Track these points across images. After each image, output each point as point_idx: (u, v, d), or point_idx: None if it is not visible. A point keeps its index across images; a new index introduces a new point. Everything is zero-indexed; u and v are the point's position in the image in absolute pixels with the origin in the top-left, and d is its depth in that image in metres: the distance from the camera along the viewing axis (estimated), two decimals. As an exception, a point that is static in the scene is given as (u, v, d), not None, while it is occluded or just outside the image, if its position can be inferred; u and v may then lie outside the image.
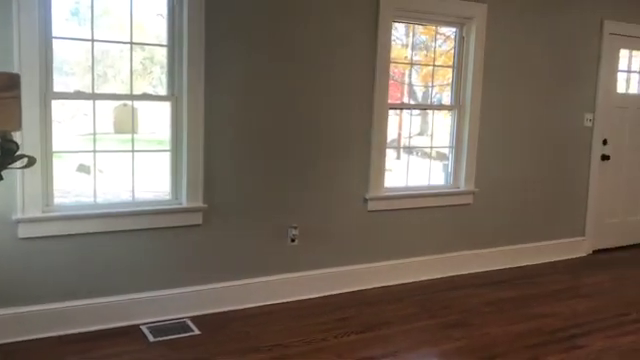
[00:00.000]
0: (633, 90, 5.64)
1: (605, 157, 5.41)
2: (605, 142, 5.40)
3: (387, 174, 4.32)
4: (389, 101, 4.26)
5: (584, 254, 5.39)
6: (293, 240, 3.94)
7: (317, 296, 4.02)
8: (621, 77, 5.51)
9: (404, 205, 4.40)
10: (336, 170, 4.08)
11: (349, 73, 4.02)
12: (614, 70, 5.39)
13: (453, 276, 4.60)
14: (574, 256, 5.32)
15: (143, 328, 3.36)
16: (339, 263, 4.16)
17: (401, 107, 4.51)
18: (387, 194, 4.32)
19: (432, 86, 4.69)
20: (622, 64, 5.48)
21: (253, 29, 3.63)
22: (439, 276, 4.56)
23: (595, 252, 5.46)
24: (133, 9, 3.32)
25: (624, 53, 5.46)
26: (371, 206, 4.25)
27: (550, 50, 4.92)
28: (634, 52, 5.54)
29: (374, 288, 4.24)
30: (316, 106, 3.94)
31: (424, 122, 4.94)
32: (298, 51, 3.82)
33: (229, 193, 3.70)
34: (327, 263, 4.11)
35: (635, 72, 5.62)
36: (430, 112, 4.74)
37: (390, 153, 4.53)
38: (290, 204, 3.92)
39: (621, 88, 5.52)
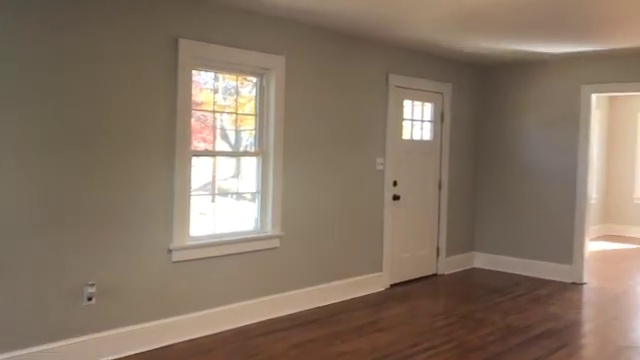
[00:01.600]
0: (417, 136, 6.27)
1: (396, 197, 5.90)
2: (395, 183, 5.90)
3: (201, 219, 4.26)
4: (193, 147, 4.23)
5: (383, 288, 5.77)
6: (90, 299, 3.66)
7: (117, 357, 3.76)
8: (406, 125, 6.10)
9: (211, 253, 4.35)
10: (137, 221, 3.90)
11: (151, 121, 3.92)
12: (400, 118, 5.96)
13: (264, 321, 4.62)
14: (374, 291, 5.67)
15: None
16: (143, 319, 3.95)
17: (205, 154, 4.49)
18: (193, 243, 4.23)
19: (241, 130, 4.76)
20: (406, 113, 6.07)
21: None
22: (250, 322, 4.55)
23: (392, 286, 5.89)
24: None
25: (407, 103, 6.07)
26: (176, 257, 4.12)
27: (344, 100, 5.29)
28: (415, 102, 6.18)
29: (182, 342, 4.09)
30: (116, 155, 3.75)
31: (238, 165, 4.96)
32: (90, 97, 3.63)
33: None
34: (129, 320, 3.88)
35: (417, 120, 6.26)
36: (248, 157, 4.80)
37: (204, 198, 4.48)
38: (86, 260, 3.65)
39: (406, 135, 6.10)
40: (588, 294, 5.87)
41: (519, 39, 5.26)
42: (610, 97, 9.81)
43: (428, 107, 6.35)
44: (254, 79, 4.70)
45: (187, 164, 4.14)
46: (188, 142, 4.14)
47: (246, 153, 4.80)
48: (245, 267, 4.58)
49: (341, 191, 5.32)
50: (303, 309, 4.96)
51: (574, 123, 6.26)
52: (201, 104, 4.48)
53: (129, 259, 3.87)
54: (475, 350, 4.10)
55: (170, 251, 4.08)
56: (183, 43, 4.04)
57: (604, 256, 8.00)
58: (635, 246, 8.84)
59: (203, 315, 4.29)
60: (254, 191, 4.74)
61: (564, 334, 4.54)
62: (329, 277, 5.25)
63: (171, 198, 4.07)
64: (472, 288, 6.01)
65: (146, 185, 3.94)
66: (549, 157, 6.45)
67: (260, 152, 4.71)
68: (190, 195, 4.20)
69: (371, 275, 5.67)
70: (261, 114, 4.70)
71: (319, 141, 5.09)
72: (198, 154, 4.39)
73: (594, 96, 6.19)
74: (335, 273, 5.30)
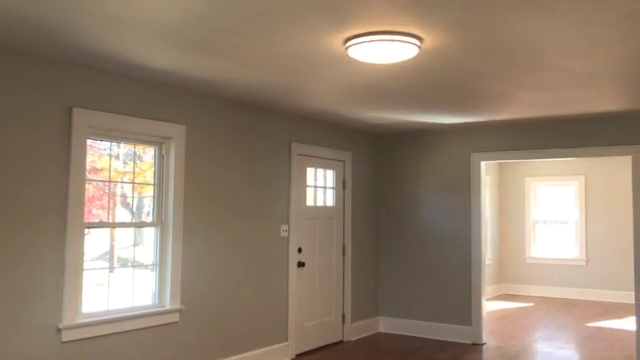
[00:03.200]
0: (320, 203, 6.36)
1: (301, 264, 5.89)
2: (300, 250, 5.90)
3: (98, 291, 4.04)
4: (90, 216, 4.05)
5: (289, 359, 5.65)
6: (-36, 389, 3.31)
7: None
8: (310, 191, 6.18)
9: (105, 331, 4.09)
10: (22, 299, 3.62)
11: (42, 192, 3.72)
12: (303, 186, 6.03)
13: (161, 401, 4.36)
14: (280, 362, 5.55)
15: None
16: (25, 408, 3.61)
17: (100, 225, 4.30)
18: (85, 321, 3.98)
19: (143, 198, 4.62)
20: (309, 180, 6.17)
21: None
22: (146, 404, 4.28)
23: (298, 355, 5.78)
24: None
25: (310, 170, 6.18)
26: (66, 336, 3.84)
27: (247, 168, 5.30)
28: (318, 169, 6.30)
29: None
30: (1, 228, 3.51)
31: (139, 233, 4.77)
32: (-26, 169, 3.40)
33: None
34: (10, 410, 3.53)
35: (320, 187, 6.37)
36: (147, 227, 4.62)
37: (101, 269, 4.25)
38: (-40, 345, 3.32)
39: (310, 201, 6.18)
40: (488, 355, 6.04)
41: (411, 111, 5.56)
42: (500, 163, 10.49)
43: (330, 174, 6.49)
44: (153, 148, 4.62)
45: (80, 236, 3.94)
46: (81, 213, 3.95)
47: (144, 224, 4.65)
48: (143, 344, 4.34)
49: (244, 260, 5.25)
50: (205, 386, 4.74)
51: (466, 188, 6.61)
52: (100, 170, 4.33)
53: (12, 340, 3.56)
54: (381, 419, 4.06)
55: (59, 330, 3.80)
56: (77, 112, 3.93)
57: (501, 315, 8.32)
58: (529, 304, 9.27)
59: (95, 399, 3.99)
60: (152, 263, 4.57)
61: (466, 396, 4.61)
62: (233, 350, 5.08)
63: (61, 272, 3.83)
64: (377, 355, 6.02)
65: (34, 259, 3.69)
66: (445, 221, 6.73)
67: (159, 222, 4.58)
68: (83, 269, 3.98)
69: (277, 346, 5.55)
70: (160, 183, 4.60)
71: (221, 210, 5.04)
72: (92, 226, 4.20)
73: (483, 163, 6.59)
74: (239, 346, 5.14)
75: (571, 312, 8.54)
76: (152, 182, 4.61)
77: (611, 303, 9.21)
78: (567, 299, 9.72)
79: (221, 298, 5.00)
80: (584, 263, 9.86)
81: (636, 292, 5.62)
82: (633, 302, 5.72)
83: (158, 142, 4.58)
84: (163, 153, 4.61)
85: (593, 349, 6.26)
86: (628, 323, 7.27)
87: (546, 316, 8.26)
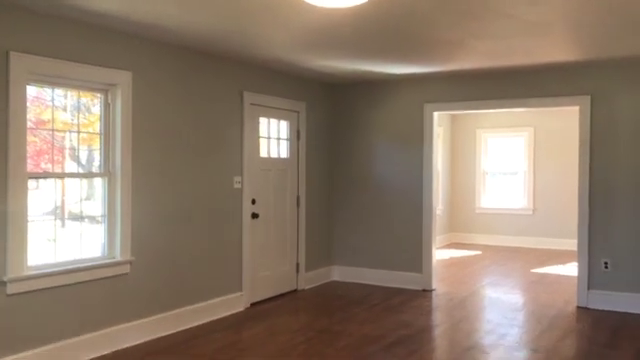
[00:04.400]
0: (274, 154, 6.31)
1: (255, 215, 5.88)
2: (254, 201, 5.87)
3: (49, 246, 3.95)
4: (32, 169, 3.90)
5: (243, 308, 5.69)
6: None
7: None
8: (263, 142, 6.11)
9: (54, 283, 4.02)
10: (-38, 252, 3.51)
11: (-25, 141, 3.56)
12: (256, 136, 5.96)
13: (115, 352, 4.35)
14: (234, 311, 5.57)
15: None
16: (-29, 362, 3.54)
17: (44, 176, 4.16)
18: (32, 273, 3.89)
19: (93, 150, 4.48)
20: (263, 131, 6.09)
21: None
22: (99, 354, 4.26)
23: (252, 305, 5.83)
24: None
25: (264, 121, 6.10)
26: (11, 289, 3.76)
27: (198, 118, 5.19)
28: (271, 120, 6.23)
29: (19, 383, 3.72)
30: None
31: (90, 187, 4.64)
32: None
33: None
34: (-46, 364, 3.46)
35: (274, 138, 6.31)
36: (95, 178, 4.50)
37: (52, 223, 4.14)
38: None
39: (264, 152, 6.12)
40: (437, 300, 6.23)
41: (365, 59, 5.51)
42: (452, 115, 10.60)
43: (284, 125, 6.43)
44: (99, 96, 4.45)
45: (22, 188, 3.80)
46: (23, 164, 3.81)
47: (91, 174, 4.53)
48: (92, 296, 4.28)
49: (197, 212, 5.19)
50: (158, 336, 4.74)
51: (419, 139, 6.66)
52: (47, 122, 4.16)
53: (-47, 295, 3.46)
54: (333, 363, 4.16)
55: (4, 283, 3.71)
56: (15, 56, 3.73)
57: (451, 263, 8.56)
58: (478, 252, 9.57)
59: (46, 350, 3.94)
60: (101, 215, 4.47)
61: (415, 340, 4.76)
62: (186, 301, 5.07)
63: (4, 224, 3.71)
64: (330, 301, 6.13)
65: (-27, 212, 3.55)
66: (398, 172, 6.80)
67: (106, 173, 4.46)
68: (27, 221, 3.86)
69: (231, 296, 5.57)
70: (106, 133, 4.46)
71: (172, 161, 4.94)
72: (35, 176, 4.06)
73: (436, 114, 6.63)
74: (192, 296, 5.14)
75: (517, 259, 8.86)
76: (99, 132, 4.46)
77: (555, 250, 9.59)
78: (514, 247, 10.06)
79: (173, 249, 4.95)
80: (531, 212, 10.19)
81: (578, 239, 5.85)
82: (575, 249, 5.96)
83: (103, 89, 4.42)
84: (109, 101, 4.45)
85: (537, 293, 6.53)
86: (570, 269, 7.59)
87: (494, 263, 8.55)
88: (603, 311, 5.63)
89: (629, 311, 5.56)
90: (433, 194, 6.65)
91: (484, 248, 10.00)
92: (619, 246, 5.67)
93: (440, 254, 9.06)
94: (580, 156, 5.85)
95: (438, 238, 9.86)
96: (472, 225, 10.68)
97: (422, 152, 6.64)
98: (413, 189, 6.70)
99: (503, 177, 10.64)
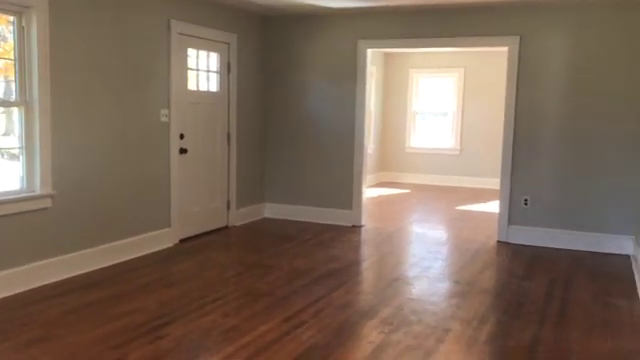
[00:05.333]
0: (203, 87, 6.12)
1: (183, 150, 5.73)
2: (182, 136, 5.72)
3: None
4: None
5: (172, 244, 5.63)
6: None
7: None
8: (192, 75, 5.90)
9: (-34, 217, 3.81)
10: None
11: None
12: (184, 68, 5.74)
13: (38, 288, 4.22)
14: (163, 247, 5.50)
15: None
16: None
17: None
18: (-59, 207, 3.66)
19: (11, 81, 4.19)
20: (191, 63, 5.87)
21: None
22: (21, 290, 4.12)
23: (181, 241, 5.77)
24: None
25: (192, 52, 5.86)
26: None
27: (122, 47, 4.92)
28: (201, 52, 6.00)
29: None
30: None
31: (9, 122, 4.36)
32: None
33: None
34: None
35: (203, 71, 6.10)
36: (16, 109, 4.20)
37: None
38: None
39: (192, 85, 5.92)
40: (366, 235, 6.37)
41: (300, -9, 5.35)
42: (385, 53, 10.59)
43: (214, 57, 6.21)
44: (12, 19, 4.12)
45: None
46: None
47: (6, 103, 4.24)
48: (11, 231, 4.09)
49: (122, 145, 5.00)
50: (83, 272, 4.63)
51: (352, 77, 6.62)
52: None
53: None
54: (263, 296, 4.20)
55: None
56: None
57: (381, 201, 8.75)
58: (407, 191, 9.81)
59: (-41, 288, 3.77)
60: (19, 146, 4.22)
61: (344, 272, 4.87)
62: (112, 236, 4.95)
63: None
64: (262, 237, 6.15)
65: None
66: (331, 110, 6.77)
67: (22, 102, 4.19)
68: None
69: (159, 231, 5.48)
70: (20, 58, 4.16)
71: (95, 90, 4.69)
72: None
73: (369, 51, 6.58)
74: (118, 232, 5.02)
75: (444, 197, 9.15)
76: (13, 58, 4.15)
77: (480, 189, 9.96)
78: (442, 186, 10.37)
79: (98, 184, 4.78)
80: (458, 153, 10.47)
81: (501, 177, 6.07)
82: (498, 188, 6.19)
83: (17, 11, 4.09)
84: (23, 24, 4.13)
85: (460, 229, 6.79)
86: (493, 206, 7.91)
87: (421, 201, 8.80)
88: (521, 245, 5.93)
89: (544, 245, 5.89)
90: (365, 133, 6.68)
91: (413, 187, 10.25)
92: (538, 184, 5.93)
93: (370, 192, 9.22)
94: (506, 97, 5.99)
95: (369, 177, 10.01)
96: (402, 164, 10.89)
97: (355, 90, 6.62)
98: (345, 127, 6.70)
99: (433, 117, 10.83)
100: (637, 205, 5.51)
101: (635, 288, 4.57)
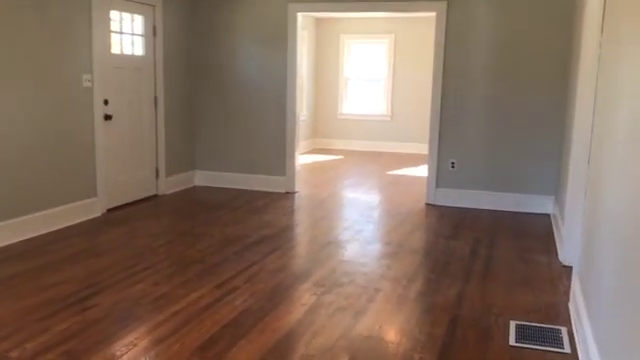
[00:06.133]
0: (127, 51, 5.88)
1: (108, 117, 5.52)
2: (106, 102, 5.50)
3: None
4: None
5: (99, 214, 5.46)
6: None
7: None
8: (115, 38, 5.66)
9: None
10: None
11: None
12: (107, 30, 5.49)
13: (-49, 263, 4.01)
14: (89, 217, 5.33)
15: None
16: None
17: None
18: None
19: None
20: (115, 25, 5.62)
21: None
22: None
23: (109, 210, 5.61)
24: None
25: (115, 15, 5.61)
26: None
27: (40, 9, 4.64)
28: (124, 14, 5.75)
29: None
30: None
31: None
32: None
33: None
34: None
35: (127, 34, 5.86)
36: None
37: None
38: None
39: (116, 49, 5.68)
40: (299, 201, 6.39)
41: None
42: (317, 19, 10.51)
43: (139, 19, 5.97)
44: None
45: None
46: None
47: None
48: None
49: (42, 111, 4.76)
50: (6, 244, 4.43)
51: (283, 42, 6.54)
52: None
53: None
54: (194, 263, 4.16)
55: None
56: None
57: (314, 167, 8.78)
58: (340, 157, 9.89)
59: None
60: None
61: (277, 238, 4.88)
62: (35, 207, 4.74)
63: None
64: (192, 205, 6.07)
65: None
66: (262, 75, 6.68)
67: None
68: None
69: (85, 201, 5.30)
70: None
71: (10, 54, 4.41)
72: None
73: (300, 15, 6.50)
74: (42, 202, 4.81)
75: (376, 163, 9.29)
76: None
77: (411, 154, 10.16)
78: (374, 152, 10.52)
79: (17, 152, 4.54)
80: (389, 118, 10.61)
81: (429, 142, 6.21)
82: (427, 153, 6.34)
83: None
84: None
85: (391, 193, 6.93)
86: (423, 171, 8.10)
87: (354, 167, 8.90)
88: (448, 207, 6.13)
89: (470, 206, 6.10)
90: (297, 99, 6.64)
91: (346, 153, 10.34)
92: (465, 147, 6.10)
93: (304, 159, 9.24)
94: (434, 62, 6.09)
95: (302, 144, 10.02)
96: (335, 131, 10.94)
97: (286, 56, 6.54)
98: (277, 93, 6.64)
99: (365, 83, 10.89)
100: (556, 167, 5.78)
101: (554, 245, 4.82)
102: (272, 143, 6.74)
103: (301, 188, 6.97)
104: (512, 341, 3.02)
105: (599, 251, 2.67)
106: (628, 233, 2.02)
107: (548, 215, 5.84)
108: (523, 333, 3.11)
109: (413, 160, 9.51)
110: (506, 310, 3.44)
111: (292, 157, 6.70)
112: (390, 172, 8.42)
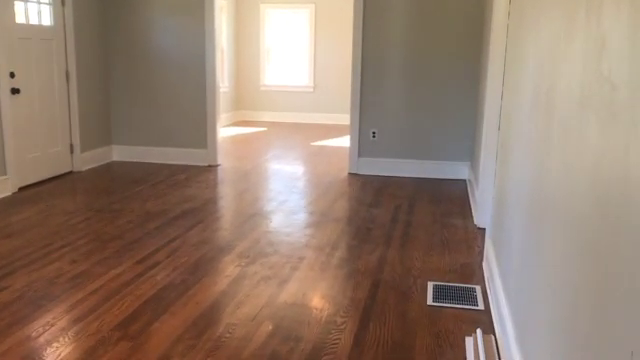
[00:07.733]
0: (34, 21, 5.56)
1: (15, 90, 5.23)
2: (13, 75, 5.20)
3: None
4: None
5: (9, 193, 5.20)
6: None
7: None
8: (19, 6, 5.33)
9: None
10: None
11: None
12: (9, -2, 5.17)
13: None
14: (0, 197, 5.08)
15: None
16: None
17: None
18: None
19: None
20: (17, -7, 5.29)
21: None
22: None
23: (21, 189, 5.35)
24: None
25: (18, -19, 5.28)
26: None
27: None
28: (28, -19, 5.42)
29: None
30: None
31: None
32: None
33: None
34: None
35: (33, 2, 5.52)
36: None
37: None
38: None
39: (21, 18, 5.35)
40: (222, 174, 6.33)
41: None
42: (236, -11, 10.29)
43: (44, -13, 5.65)
44: None
45: None
46: None
47: None
48: None
49: (-61, 84, 4.44)
50: None
51: (200, 11, 6.37)
52: None
53: None
54: (113, 240, 4.05)
55: None
56: None
57: (236, 140, 8.69)
58: (263, 129, 9.83)
59: None
60: None
61: (200, 212, 4.82)
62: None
63: None
64: (110, 181, 5.88)
65: None
66: (179, 47, 6.50)
67: None
68: None
69: (-7, 180, 5.03)
70: None
71: None
72: None
73: (217, -17, 6.35)
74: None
75: (299, 134, 9.31)
76: None
77: (334, 125, 10.24)
78: (297, 123, 10.52)
79: None
80: (312, 90, 10.63)
81: (351, 112, 6.28)
82: (349, 123, 6.41)
83: None
84: None
85: (315, 164, 6.98)
86: (345, 141, 8.20)
87: (277, 139, 8.88)
88: (370, 175, 6.25)
89: (391, 174, 6.25)
90: (217, 70, 6.51)
91: (269, 125, 10.29)
92: (385, 117, 6.22)
93: (227, 131, 9.14)
94: (354, 32, 6.12)
95: (225, 116, 9.90)
96: (257, 102, 10.85)
97: (204, 25, 6.39)
98: (196, 65, 6.49)
99: (287, 54, 10.82)
100: (471, 134, 6.00)
101: (469, 208, 5.03)
102: (192, 115, 6.61)
103: (224, 161, 6.90)
104: (430, 301, 3.16)
105: (508, 213, 2.81)
106: (533, 197, 2.14)
107: (464, 180, 6.08)
108: (440, 293, 3.25)
109: (337, 131, 9.60)
110: (424, 272, 3.58)
111: (213, 129, 6.60)
112: (314, 143, 8.47)
